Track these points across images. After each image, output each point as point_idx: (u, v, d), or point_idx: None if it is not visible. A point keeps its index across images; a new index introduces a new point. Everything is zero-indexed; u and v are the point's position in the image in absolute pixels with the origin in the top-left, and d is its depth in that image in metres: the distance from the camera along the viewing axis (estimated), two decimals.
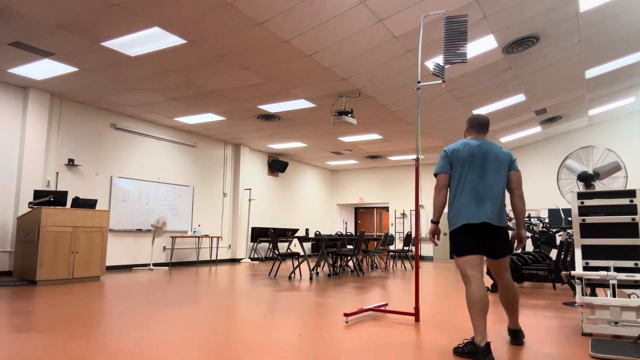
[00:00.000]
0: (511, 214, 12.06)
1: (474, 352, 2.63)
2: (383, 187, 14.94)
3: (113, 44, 5.50)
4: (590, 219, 3.54)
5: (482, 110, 8.65)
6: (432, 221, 2.93)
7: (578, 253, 3.54)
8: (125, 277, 7.14)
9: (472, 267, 2.73)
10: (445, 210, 8.26)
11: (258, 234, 11.88)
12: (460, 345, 2.76)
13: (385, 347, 2.90)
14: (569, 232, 5.70)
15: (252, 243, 11.87)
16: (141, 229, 8.91)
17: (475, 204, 2.79)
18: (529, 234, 8.86)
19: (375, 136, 10.39)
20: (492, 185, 2.83)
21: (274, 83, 6.86)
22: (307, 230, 11.71)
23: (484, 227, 2.79)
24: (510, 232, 5.91)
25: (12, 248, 6.89)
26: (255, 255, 11.94)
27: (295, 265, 8.72)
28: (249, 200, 11.85)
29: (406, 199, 14.49)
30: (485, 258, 2.88)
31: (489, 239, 2.82)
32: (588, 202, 3.58)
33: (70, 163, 7.74)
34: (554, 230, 6.68)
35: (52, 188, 7.48)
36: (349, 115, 7.28)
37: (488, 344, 2.57)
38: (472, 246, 2.76)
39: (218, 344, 2.92)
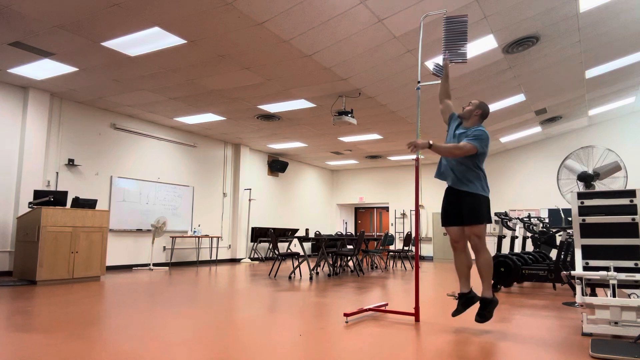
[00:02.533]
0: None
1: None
2: (383, 187, 14.94)
3: (113, 44, 5.50)
4: (590, 219, 3.54)
5: None
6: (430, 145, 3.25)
7: (578, 253, 3.54)
8: (125, 277, 7.14)
9: None
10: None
11: (258, 234, 11.88)
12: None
13: (385, 347, 2.90)
14: (569, 232, 5.70)
15: (252, 243, 11.86)
16: (141, 229, 8.91)
17: None
18: (529, 234, 8.86)
19: (375, 136, 10.39)
20: None
21: (274, 83, 6.86)
22: (307, 230, 11.71)
23: None
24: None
25: (12, 248, 6.89)
26: (255, 255, 11.94)
27: (295, 265, 8.72)
28: (249, 200, 11.84)
29: (406, 199, 14.49)
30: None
31: None
32: (588, 202, 3.58)
33: (70, 163, 7.74)
34: (554, 230, 6.68)
35: (52, 188, 7.48)
36: (349, 115, 7.27)
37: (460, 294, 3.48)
38: None
39: (218, 344, 2.92)
